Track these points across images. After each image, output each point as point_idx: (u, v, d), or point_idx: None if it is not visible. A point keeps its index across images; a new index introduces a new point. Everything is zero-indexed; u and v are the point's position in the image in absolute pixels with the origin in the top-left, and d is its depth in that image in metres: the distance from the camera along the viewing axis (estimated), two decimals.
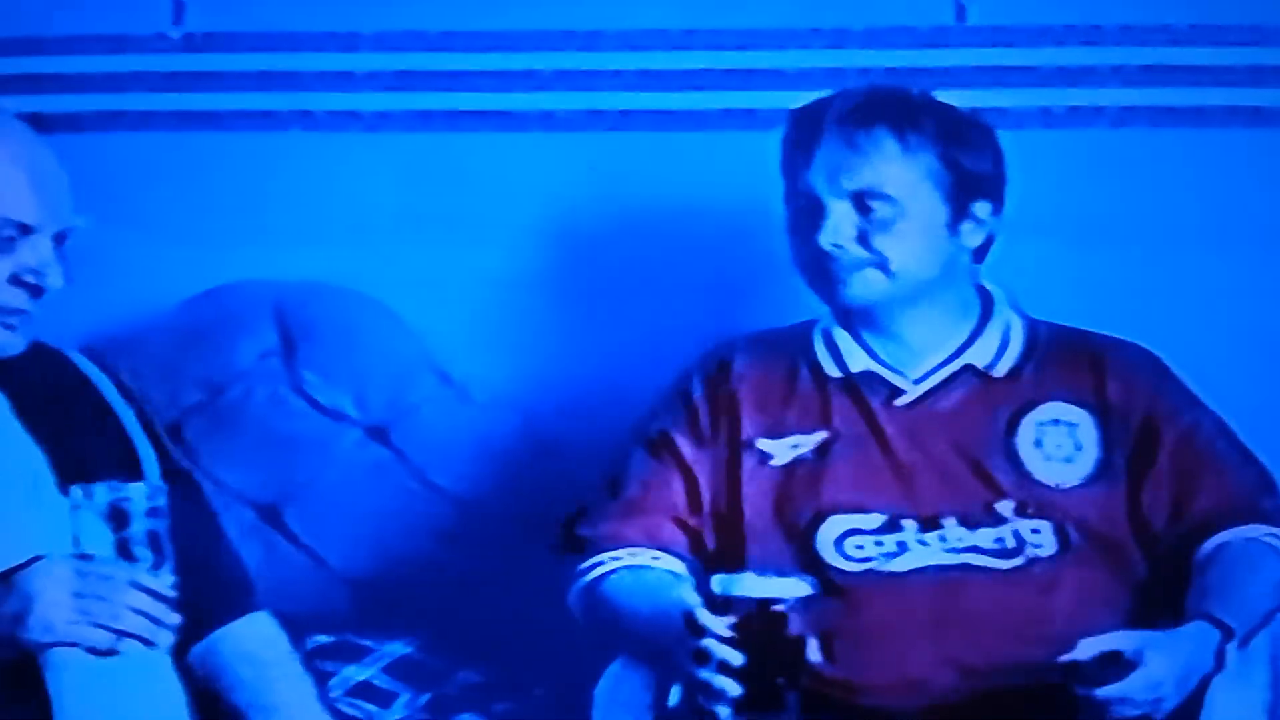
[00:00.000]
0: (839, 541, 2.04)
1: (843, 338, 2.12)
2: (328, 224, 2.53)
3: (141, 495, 1.69)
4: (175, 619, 1.68)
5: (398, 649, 2.32)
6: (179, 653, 1.80)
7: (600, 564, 2.09)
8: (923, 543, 2.02)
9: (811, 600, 1.84)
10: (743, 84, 2.48)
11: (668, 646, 1.94)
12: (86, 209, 2.45)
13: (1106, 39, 2.44)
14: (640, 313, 2.51)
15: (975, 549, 2.01)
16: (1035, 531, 2.03)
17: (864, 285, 2.06)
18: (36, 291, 1.76)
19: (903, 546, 2.02)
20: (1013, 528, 2.03)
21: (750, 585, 1.84)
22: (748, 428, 2.11)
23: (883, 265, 2.05)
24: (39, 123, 2.48)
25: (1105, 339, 2.14)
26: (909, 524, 2.03)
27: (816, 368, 2.12)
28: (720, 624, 1.83)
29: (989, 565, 2.01)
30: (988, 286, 2.14)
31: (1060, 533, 2.03)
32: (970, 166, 2.07)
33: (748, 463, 2.10)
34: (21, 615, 1.63)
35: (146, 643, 1.66)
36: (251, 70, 2.54)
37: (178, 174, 2.56)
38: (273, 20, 2.53)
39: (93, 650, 1.65)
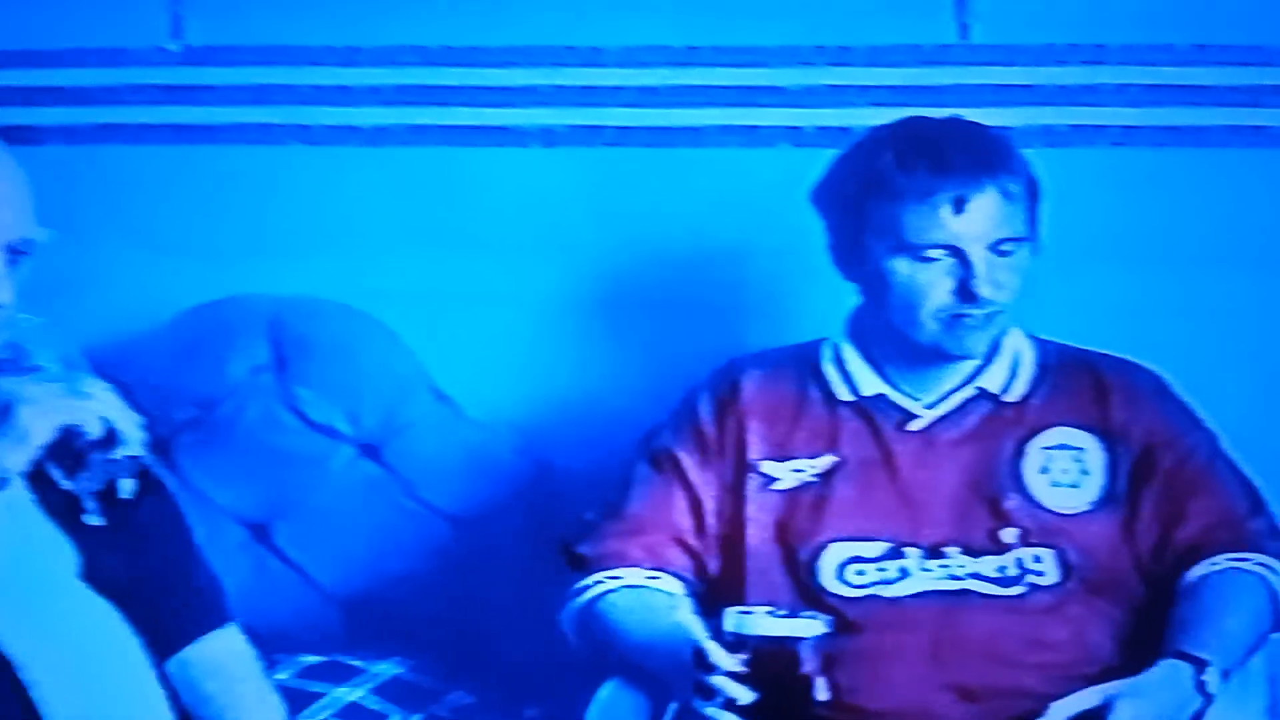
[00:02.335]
0: (840, 568, 2.02)
1: (853, 359, 2.10)
2: (324, 238, 2.53)
3: None
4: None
5: (388, 669, 2.30)
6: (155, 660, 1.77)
7: (597, 583, 2.08)
8: (925, 569, 2.01)
9: (824, 638, 1.84)
10: (744, 100, 2.46)
11: (669, 674, 1.94)
12: (82, 222, 2.46)
13: (1109, 58, 2.43)
14: (639, 330, 2.50)
15: (976, 575, 2.00)
16: (1037, 560, 2.01)
17: (986, 336, 2.04)
18: None
19: (904, 572, 2.01)
20: (1015, 556, 2.01)
21: (766, 625, 1.83)
22: (754, 449, 2.09)
23: (1005, 311, 2.04)
24: (36, 135, 2.51)
25: (1110, 360, 2.12)
26: (912, 551, 2.02)
27: (826, 390, 2.10)
28: (732, 661, 1.82)
29: (989, 592, 2.00)
30: None
31: (1063, 561, 2.01)
32: (1037, 192, 2.07)
33: (751, 485, 2.08)
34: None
35: None
36: (250, 84, 2.53)
37: (174, 187, 2.55)
38: (271, 34, 2.53)
39: None
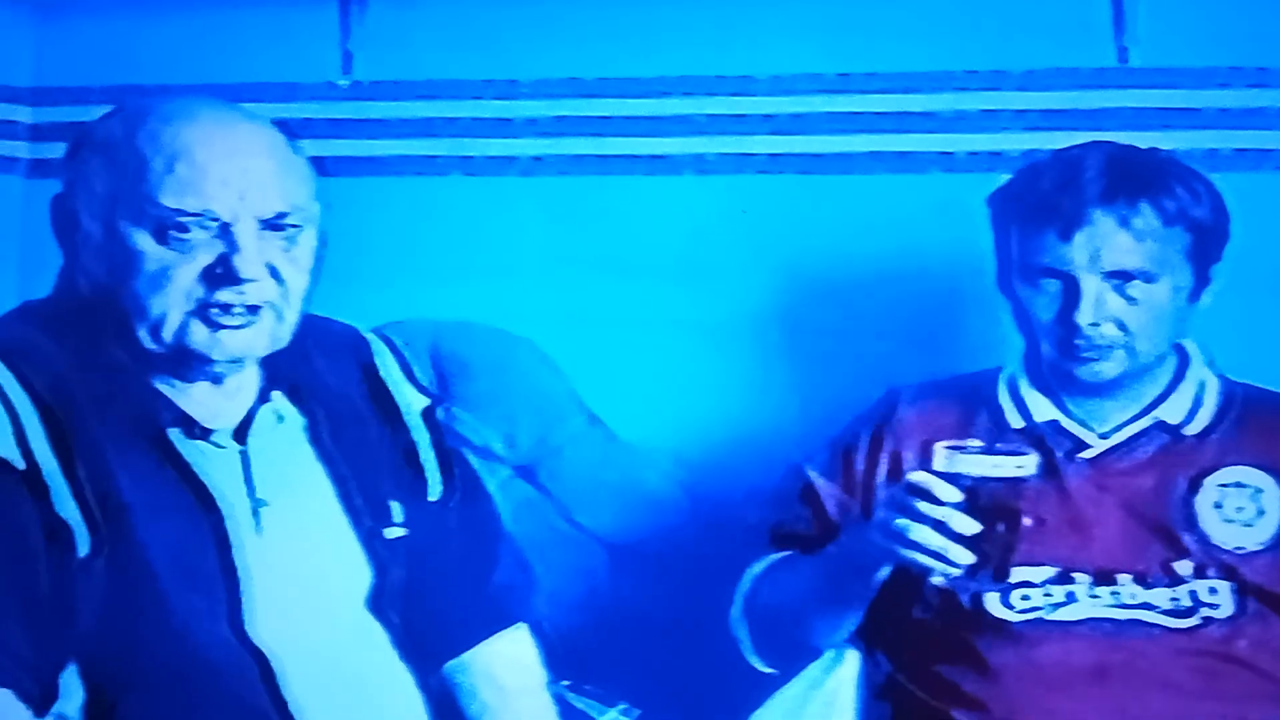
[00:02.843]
0: (1005, 594, 2.00)
1: (1027, 387, 2.09)
2: (483, 264, 2.57)
3: None
4: None
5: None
6: (434, 664, 1.80)
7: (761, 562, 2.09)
8: (1093, 595, 1.99)
9: (1030, 479, 1.82)
10: (895, 126, 2.47)
11: (868, 534, 1.89)
12: None
13: (1272, 81, 2.38)
14: (789, 355, 2.50)
15: (1148, 606, 1.98)
16: (1213, 592, 1.99)
17: (1108, 366, 2.02)
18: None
19: (1071, 597, 1.99)
20: (1189, 588, 1.99)
21: (975, 463, 1.81)
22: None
23: (1130, 346, 2.01)
24: None
25: None
26: (1081, 577, 2.00)
27: (998, 416, 2.09)
28: (951, 491, 1.79)
29: (1161, 623, 1.97)
30: (1184, 343, 2.09)
31: (1239, 595, 1.98)
32: (1209, 229, 2.04)
33: None
34: None
35: None
36: (413, 117, 2.60)
37: (342, 217, 2.61)
38: (435, 69, 2.59)
39: None
